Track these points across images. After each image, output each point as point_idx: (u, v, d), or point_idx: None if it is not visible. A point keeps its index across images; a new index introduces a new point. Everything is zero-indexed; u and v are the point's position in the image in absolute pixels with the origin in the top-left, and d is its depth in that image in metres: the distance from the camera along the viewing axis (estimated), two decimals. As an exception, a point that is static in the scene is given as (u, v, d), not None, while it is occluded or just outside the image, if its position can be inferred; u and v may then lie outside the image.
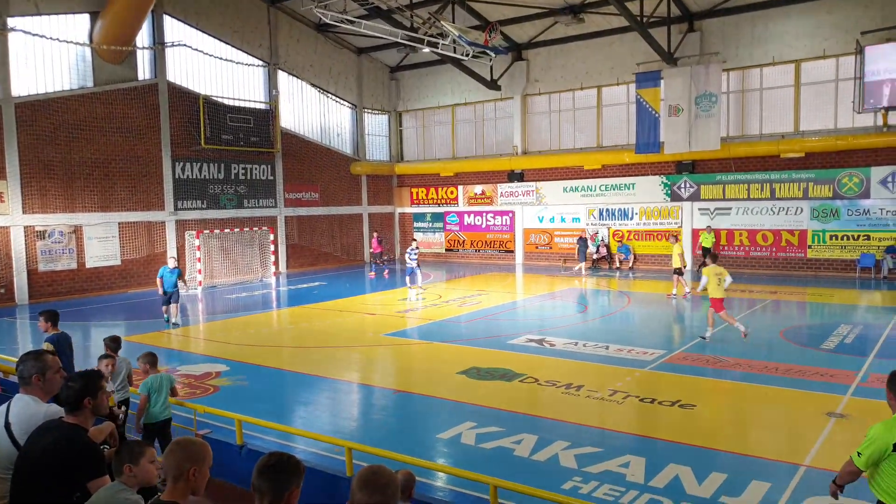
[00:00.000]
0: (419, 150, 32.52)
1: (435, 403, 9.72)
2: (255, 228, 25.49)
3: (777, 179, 23.11)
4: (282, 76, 27.72)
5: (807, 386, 9.88)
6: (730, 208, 24.10)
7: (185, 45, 23.92)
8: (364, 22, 20.83)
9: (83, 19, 21.25)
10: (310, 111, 29.44)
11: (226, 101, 25.36)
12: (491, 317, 16.54)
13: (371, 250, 26.64)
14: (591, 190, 27.00)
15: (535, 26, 26.52)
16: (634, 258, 26.03)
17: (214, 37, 25.11)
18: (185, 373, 11.58)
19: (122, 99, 22.14)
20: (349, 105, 31.12)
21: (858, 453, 4.27)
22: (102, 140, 21.62)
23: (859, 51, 20.83)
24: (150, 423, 6.95)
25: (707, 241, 23.78)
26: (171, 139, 23.59)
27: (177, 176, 23.87)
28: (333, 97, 30.29)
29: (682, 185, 24.91)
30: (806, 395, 9.46)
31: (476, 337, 14.15)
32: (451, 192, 30.94)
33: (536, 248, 28.88)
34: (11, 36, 19.51)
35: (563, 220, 27.98)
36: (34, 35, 20.04)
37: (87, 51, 21.34)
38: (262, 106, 26.74)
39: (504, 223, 29.65)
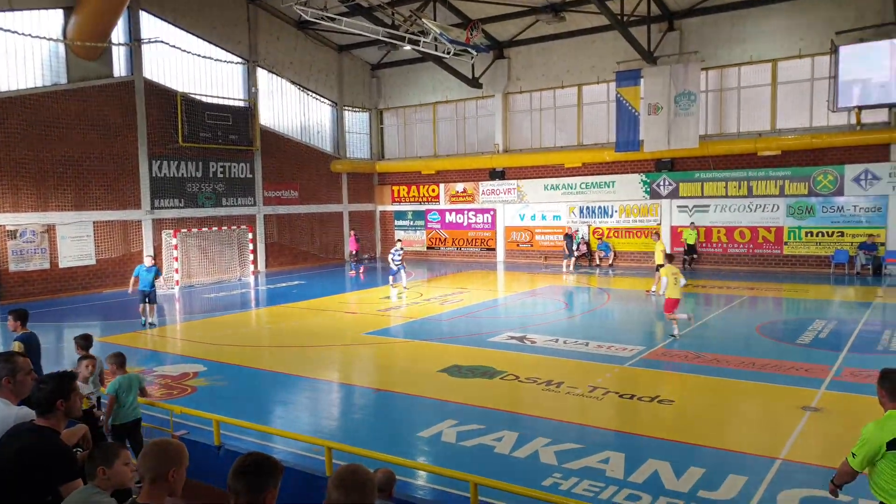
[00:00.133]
0: (400, 148, 32.44)
1: (416, 402, 9.70)
2: (233, 227, 25.26)
3: (754, 177, 23.39)
4: (261, 73, 27.48)
5: (782, 380, 10.02)
6: (708, 206, 24.35)
7: (161, 41, 23.62)
8: (345, 19, 20.71)
9: (56, 15, 20.88)
10: (290, 109, 29.23)
11: (204, 99, 25.10)
12: (472, 314, 16.55)
13: (349, 249, 26.34)
14: (571, 188, 27.12)
15: (516, 24, 26.56)
16: (614, 255, 26.20)
17: (192, 33, 24.82)
18: (162, 373, 11.45)
19: (97, 96, 21.81)
20: (330, 103, 30.95)
21: (853, 454, 4.21)
22: (76, 138, 21.28)
23: (834, 51, 21.14)
24: (118, 424, 6.86)
25: (691, 237, 24.00)
26: (148, 137, 23.28)
27: (153, 174, 23.57)
28: (314, 95, 30.10)
29: (662, 183, 25.12)
30: (782, 390, 9.59)
31: (457, 335, 14.15)
32: (433, 190, 30.91)
33: (518, 245, 28.96)
34: (-18, 31, 19.14)
35: (544, 217, 28.08)
36: (5, 31, 19.65)
37: (61, 47, 20.98)
38: (241, 103, 26.49)
39: (485, 221, 29.69)
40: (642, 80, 23.84)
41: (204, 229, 24.20)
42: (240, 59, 26.66)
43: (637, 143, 24.09)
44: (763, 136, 23.09)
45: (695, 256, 24.15)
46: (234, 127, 25.73)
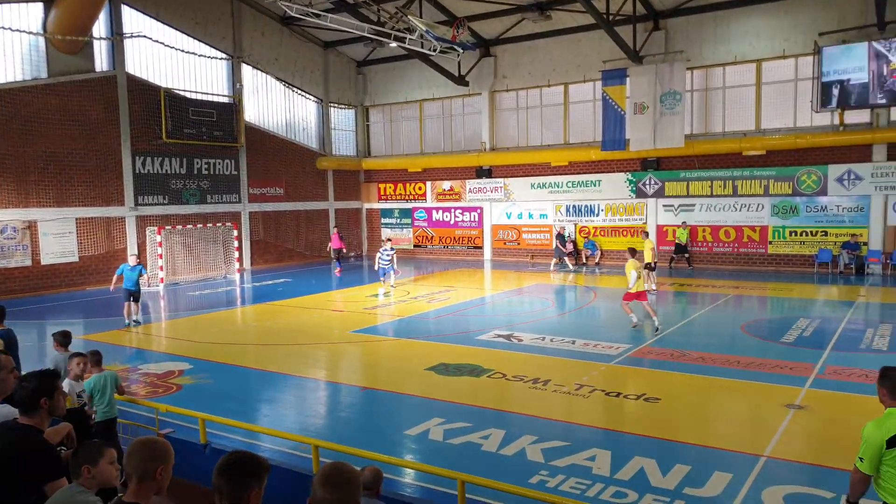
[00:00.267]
0: (386, 146, 32.36)
1: (403, 400, 9.68)
2: (218, 224, 25.07)
3: (739, 176, 23.57)
4: (246, 69, 27.29)
5: (767, 378, 10.11)
6: (693, 205, 24.51)
7: (144, 36, 23.37)
8: (330, 15, 20.59)
9: (36, 8, 20.59)
10: (275, 105, 29.05)
11: (188, 95, 24.87)
12: (459, 313, 16.54)
13: (331, 246, 25.72)
14: (558, 186, 27.20)
15: (502, 22, 26.57)
16: (601, 254, 26.31)
17: (176, 28, 24.58)
18: (147, 371, 11.35)
19: (79, 91, 21.53)
20: (315, 99, 30.79)
21: (860, 458, 4.11)
22: (58, 133, 21.01)
23: (817, 51, 21.35)
24: (96, 423, 6.78)
25: (682, 236, 24.10)
26: (131, 133, 23.04)
27: (137, 170, 23.34)
28: (299, 91, 29.94)
29: (647, 182, 25.25)
30: (766, 388, 9.67)
31: (444, 333, 14.14)
32: (419, 188, 30.86)
33: (505, 244, 29.00)
34: (-38, 24, 18.84)
35: (530, 216, 28.14)
36: (-14, 24, 19.39)
37: (41, 41, 20.69)
38: (226, 100, 26.29)
39: (472, 219, 29.69)
40: (628, 79, 23.93)
41: (189, 226, 23.99)
42: (224, 55, 26.45)
43: (623, 142, 24.19)
44: (748, 135, 23.27)
45: (686, 255, 24.22)
46: (218, 123, 25.52)
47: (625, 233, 25.98)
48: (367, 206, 32.78)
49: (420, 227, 31.15)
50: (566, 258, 24.67)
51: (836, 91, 20.99)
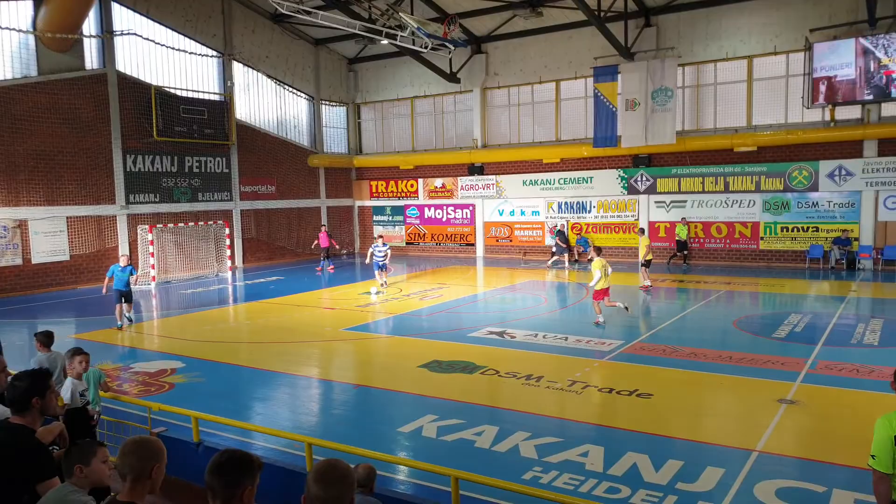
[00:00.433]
0: (378, 143, 32.30)
1: (396, 397, 9.68)
2: (210, 222, 24.98)
3: (730, 173, 23.66)
4: (237, 67, 27.17)
5: (759, 374, 10.15)
6: (685, 201, 24.59)
7: (134, 33, 23.22)
8: (321, 13, 20.53)
9: (26, 5, 20.43)
10: (266, 103, 28.94)
11: (179, 93, 24.75)
12: (452, 310, 16.55)
13: (319, 244, 25.05)
14: (549, 183, 27.22)
15: (493, 19, 26.55)
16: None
17: (166, 26, 24.44)
18: (139, 370, 11.30)
19: (69, 89, 21.39)
20: (306, 97, 30.70)
21: (872, 455, 3.89)
22: (48, 131, 20.87)
23: (808, 47, 21.45)
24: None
25: (682, 232, 24.12)
26: (122, 131, 22.91)
27: (128, 169, 23.21)
28: (290, 89, 29.84)
29: (639, 179, 25.31)
30: (758, 383, 9.72)
31: (437, 330, 14.13)
32: (411, 186, 30.83)
33: (497, 241, 29.02)
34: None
35: (522, 213, 28.16)
36: (-26, 21, 19.22)
37: (31, 38, 20.54)
38: (217, 97, 26.17)
39: (464, 216, 29.70)
40: (619, 75, 23.98)
41: (180, 224, 23.90)
42: (215, 53, 26.33)
43: (615, 138, 24.23)
44: (739, 132, 23.36)
45: (685, 252, 24.19)
46: (209, 121, 25.41)
47: (617, 229, 26.05)
48: (359, 203, 32.73)
49: (412, 224, 31.13)
50: (559, 256, 24.67)
51: (823, 88, 21.14)
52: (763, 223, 23.45)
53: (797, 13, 22.09)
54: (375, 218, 32.22)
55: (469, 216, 29.54)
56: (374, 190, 32.05)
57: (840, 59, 20.81)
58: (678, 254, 24.17)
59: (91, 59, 22.23)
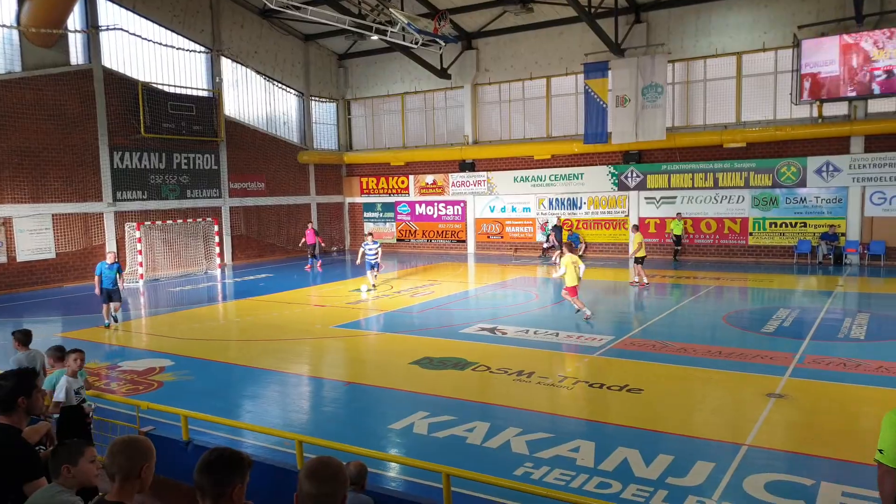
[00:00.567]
0: (369, 139, 32.20)
1: (387, 394, 9.65)
2: (198, 219, 24.82)
3: (720, 169, 23.77)
4: (225, 63, 26.98)
5: (748, 368, 10.22)
6: (675, 197, 24.69)
7: (121, 28, 23.01)
8: (310, 8, 20.42)
9: (9, 0, 20.17)
10: (255, 99, 28.78)
11: (167, 89, 24.56)
12: (443, 306, 16.54)
13: (305, 241, 24.90)
14: (540, 179, 27.25)
15: (484, 15, 26.51)
16: (585, 247, 26.43)
17: (153, 21, 24.23)
18: (127, 368, 11.22)
19: (54, 85, 21.17)
20: (296, 93, 30.55)
21: (880, 450, 3.70)
22: (32, 128, 20.64)
23: (796, 44, 21.57)
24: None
25: (677, 228, 24.19)
26: (109, 127, 22.70)
27: (115, 165, 23.02)
28: (279, 85, 29.69)
29: (629, 175, 25.38)
30: (747, 377, 9.78)
31: (428, 327, 14.12)
32: (402, 182, 30.77)
33: (488, 237, 29.03)
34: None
35: (514, 209, 28.18)
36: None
37: (14, 33, 20.29)
38: (205, 93, 26.00)
39: (456, 213, 29.68)
40: (610, 72, 24.01)
41: (168, 222, 23.74)
42: (203, 48, 26.13)
43: (605, 135, 24.28)
44: (728, 128, 23.46)
45: (678, 248, 24.21)
46: (198, 117, 25.23)
47: (607, 225, 26.12)
48: (349, 200, 32.63)
49: (403, 221, 31.08)
50: (553, 251, 24.68)
51: (807, 84, 21.30)
52: (752, 219, 23.59)
53: (785, 10, 22.20)
54: (366, 215, 32.14)
55: (460, 213, 29.52)
56: (364, 186, 31.96)
57: (825, 56, 20.97)
58: (677, 248, 24.22)
59: (76, 54, 22.00)
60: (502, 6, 24.48)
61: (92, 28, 22.15)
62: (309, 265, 24.78)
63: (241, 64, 27.72)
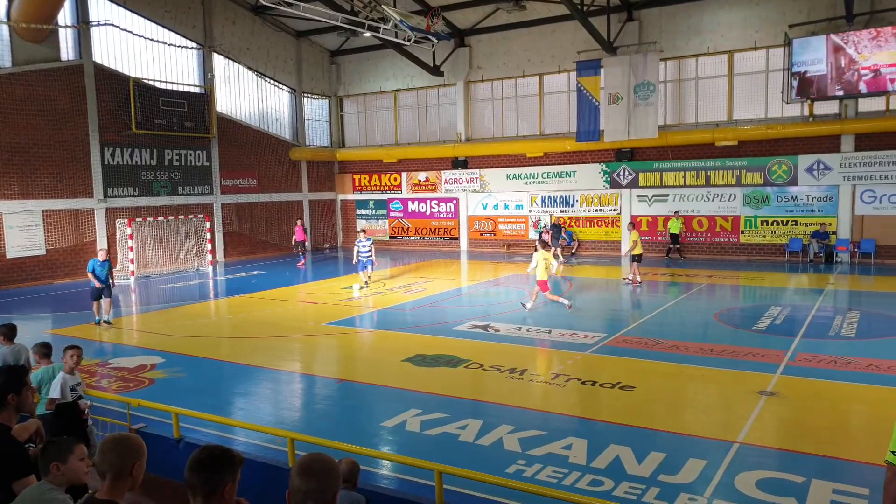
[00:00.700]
0: (361, 136, 32.13)
1: (379, 391, 9.64)
2: (190, 216, 24.70)
3: (712, 167, 23.85)
4: (217, 59, 26.85)
5: (739, 366, 10.26)
6: (667, 195, 24.76)
7: (111, 24, 22.84)
8: (303, 4, 20.32)
9: (0, -6, 20.04)
10: (247, 95, 28.65)
11: (158, 85, 24.42)
12: (436, 304, 16.53)
13: (295, 239, 24.81)
14: (533, 177, 27.27)
15: (476, 13, 26.48)
16: (578, 244, 26.47)
17: (144, 17, 24.07)
18: (118, 365, 11.16)
19: (44, 80, 20.99)
20: (288, 89, 30.44)
21: (893, 452, 3.59)
22: (22, 124, 20.48)
23: (787, 43, 21.65)
24: (39, 416, 6.63)
25: (675, 226, 24.20)
26: (100, 123, 22.55)
27: (106, 162, 22.87)
28: (272, 81, 29.57)
29: (621, 173, 25.43)
30: (739, 375, 9.82)
31: (421, 324, 14.12)
32: (395, 179, 30.73)
33: (481, 235, 29.03)
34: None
35: (506, 207, 28.20)
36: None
37: (5, 29, 20.12)
38: (197, 90, 25.86)
39: (448, 210, 29.66)
40: (602, 69, 24.04)
41: (160, 218, 23.62)
42: (195, 44, 25.99)
43: (597, 132, 24.31)
44: (720, 126, 23.54)
45: (677, 247, 24.16)
46: (189, 114, 25.10)
47: (600, 223, 26.17)
48: (341, 197, 32.55)
49: (396, 218, 31.04)
50: (555, 250, 24.64)
51: (795, 83, 21.43)
52: (744, 217, 23.68)
53: (777, 9, 22.29)
54: (358, 212, 32.08)
55: (453, 210, 29.51)
56: (356, 183, 31.90)
57: (813, 55, 21.10)
58: (672, 247, 24.26)
59: (67, 49, 21.84)
60: (495, 3, 24.49)
61: (83, 23, 21.98)
62: (301, 262, 24.71)
63: (234, 60, 27.59)
